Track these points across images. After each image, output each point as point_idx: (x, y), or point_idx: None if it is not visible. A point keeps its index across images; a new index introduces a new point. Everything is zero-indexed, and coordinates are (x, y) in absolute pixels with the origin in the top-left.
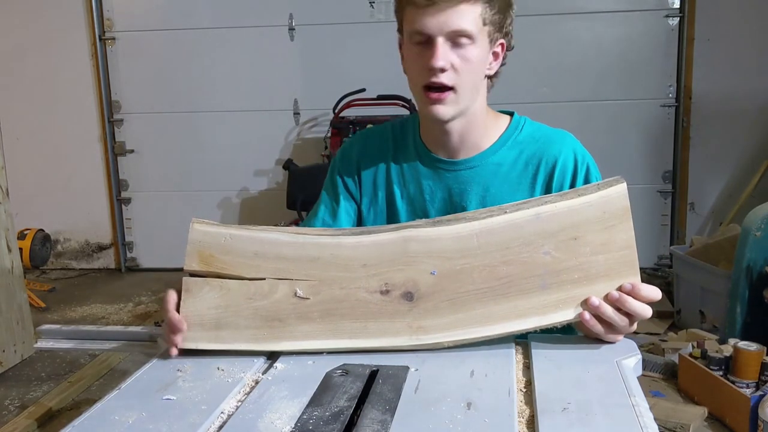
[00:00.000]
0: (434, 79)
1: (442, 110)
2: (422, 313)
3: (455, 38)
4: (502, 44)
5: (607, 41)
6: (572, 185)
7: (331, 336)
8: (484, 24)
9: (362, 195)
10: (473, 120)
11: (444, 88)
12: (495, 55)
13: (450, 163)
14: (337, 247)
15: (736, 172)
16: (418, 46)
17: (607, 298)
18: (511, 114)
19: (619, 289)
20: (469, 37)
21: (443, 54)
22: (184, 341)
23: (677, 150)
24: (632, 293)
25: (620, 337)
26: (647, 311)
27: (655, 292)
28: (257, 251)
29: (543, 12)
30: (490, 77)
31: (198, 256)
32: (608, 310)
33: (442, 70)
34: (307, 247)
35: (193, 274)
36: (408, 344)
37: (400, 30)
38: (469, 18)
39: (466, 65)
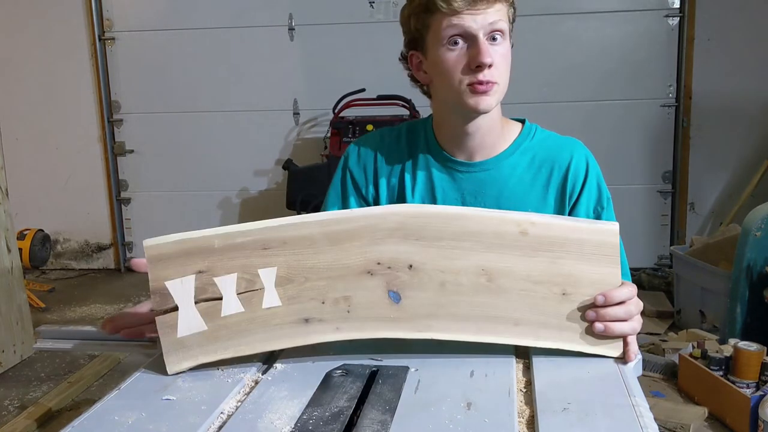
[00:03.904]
0: (482, 77)
1: (489, 101)
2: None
3: (493, 34)
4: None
5: (607, 41)
6: (582, 190)
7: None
8: (510, 21)
9: (375, 193)
10: (493, 122)
11: (489, 82)
12: None
13: (465, 164)
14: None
15: (736, 172)
16: (455, 47)
17: (587, 317)
18: (522, 121)
19: (594, 304)
20: (503, 32)
21: (489, 50)
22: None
23: (677, 150)
24: (606, 304)
25: (635, 326)
26: (632, 313)
27: (627, 292)
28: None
29: (543, 12)
30: None
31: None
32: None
33: (490, 66)
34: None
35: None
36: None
37: (415, 42)
38: (502, 15)
39: (504, 61)
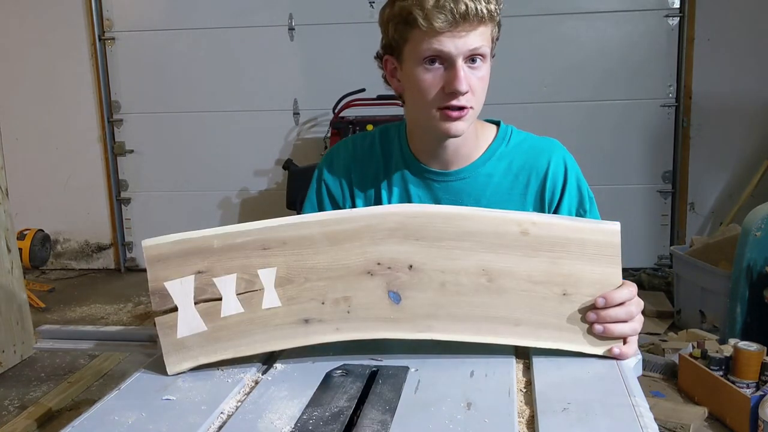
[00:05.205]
0: (455, 103)
1: (461, 126)
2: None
3: (472, 58)
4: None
5: (607, 41)
6: (562, 195)
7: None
8: (492, 42)
9: (352, 205)
10: (467, 134)
11: (462, 108)
12: None
13: (441, 174)
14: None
15: (736, 172)
16: (431, 67)
17: (588, 319)
18: (497, 123)
19: (595, 306)
20: (483, 56)
21: (465, 76)
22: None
23: (677, 150)
24: (607, 306)
25: (636, 327)
26: (633, 313)
27: (627, 293)
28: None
29: (543, 12)
30: None
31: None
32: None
33: (465, 93)
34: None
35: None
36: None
37: (390, 48)
38: (485, 38)
39: (481, 84)
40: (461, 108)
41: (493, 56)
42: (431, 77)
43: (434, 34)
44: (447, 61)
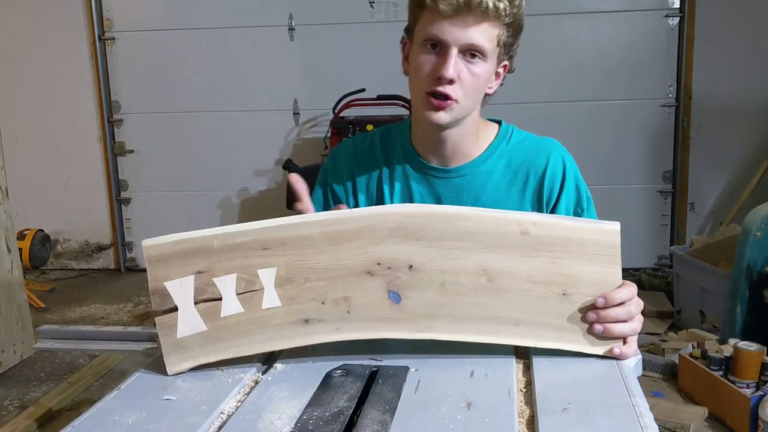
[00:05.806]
0: (440, 89)
1: (442, 116)
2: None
3: (469, 52)
4: (505, 66)
5: (607, 41)
6: (560, 193)
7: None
8: (498, 45)
9: (354, 204)
10: (466, 130)
11: (447, 97)
12: (497, 75)
13: (442, 170)
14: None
15: (736, 172)
16: (429, 51)
17: (588, 319)
18: (498, 122)
19: (595, 306)
20: (482, 53)
21: (455, 65)
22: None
23: (677, 150)
24: (607, 306)
25: (635, 327)
26: (633, 313)
27: (627, 293)
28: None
29: (543, 12)
30: (486, 94)
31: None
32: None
33: (451, 82)
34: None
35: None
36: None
37: (408, 30)
38: (488, 36)
39: (473, 80)
40: (446, 97)
41: (504, 64)
42: (426, 60)
43: (438, 19)
44: (443, 48)
